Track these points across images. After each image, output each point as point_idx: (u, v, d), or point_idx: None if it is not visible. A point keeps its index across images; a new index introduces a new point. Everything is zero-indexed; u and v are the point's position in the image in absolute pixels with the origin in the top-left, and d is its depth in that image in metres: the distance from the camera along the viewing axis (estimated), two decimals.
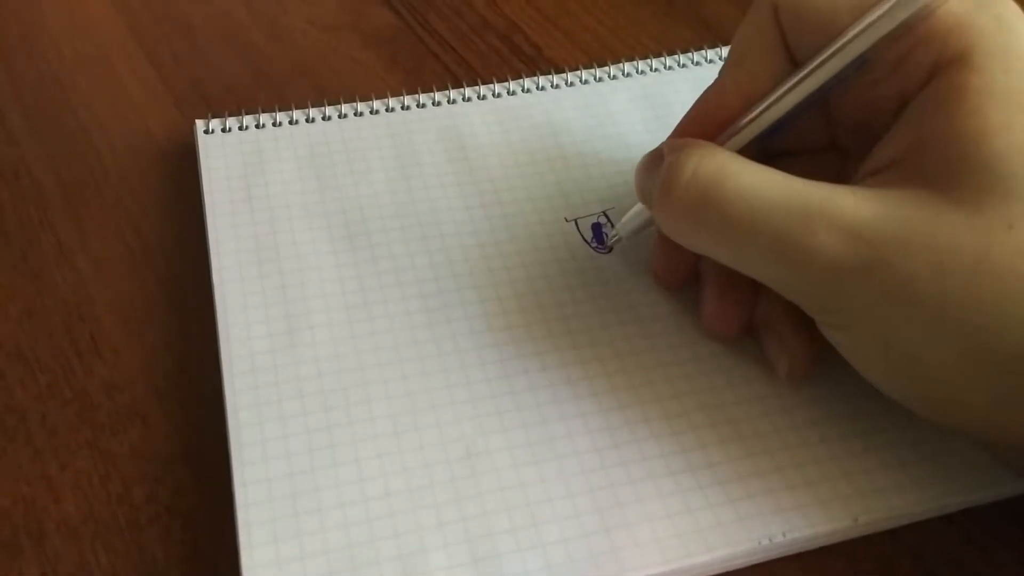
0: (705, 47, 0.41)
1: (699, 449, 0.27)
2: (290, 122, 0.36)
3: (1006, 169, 0.22)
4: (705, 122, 0.28)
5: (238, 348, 0.29)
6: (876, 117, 0.26)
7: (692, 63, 0.40)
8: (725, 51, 0.41)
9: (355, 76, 0.40)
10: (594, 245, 0.33)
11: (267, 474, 0.26)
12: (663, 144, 0.28)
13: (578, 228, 0.33)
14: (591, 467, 0.27)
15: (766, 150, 0.29)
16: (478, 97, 0.38)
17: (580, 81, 0.39)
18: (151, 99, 0.39)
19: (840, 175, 0.28)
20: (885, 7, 0.24)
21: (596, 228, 0.33)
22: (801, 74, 0.26)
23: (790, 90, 0.26)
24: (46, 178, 0.36)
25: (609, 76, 0.39)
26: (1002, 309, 0.22)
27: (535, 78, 0.39)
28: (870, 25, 0.24)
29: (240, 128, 0.36)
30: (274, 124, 0.36)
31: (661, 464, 0.27)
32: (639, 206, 0.31)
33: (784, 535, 0.26)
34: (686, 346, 0.30)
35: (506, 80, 0.38)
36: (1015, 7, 0.24)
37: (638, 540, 0.25)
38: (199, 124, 0.36)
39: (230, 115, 0.36)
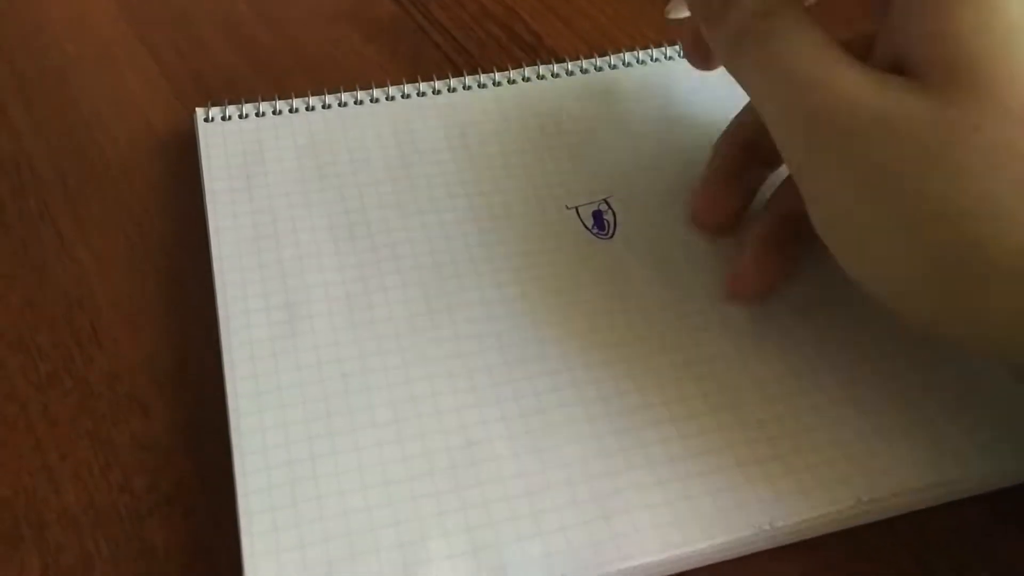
0: None
1: (698, 436, 0.27)
2: (290, 111, 0.36)
3: (980, 70, 0.22)
4: None
5: (238, 337, 0.29)
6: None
7: None
8: None
9: (355, 66, 0.40)
10: (595, 232, 0.33)
11: (267, 463, 0.26)
12: None
13: (579, 215, 0.33)
14: (590, 454, 0.27)
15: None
16: (478, 86, 0.38)
17: (580, 70, 0.39)
18: (152, 92, 0.39)
19: None
20: None
21: (597, 215, 0.33)
22: None
23: None
24: (47, 170, 0.36)
25: (610, 65, 0.39)
26: (954, 203, 0.22)
27: (535, 67, 0.39)
28: None
29: (240, 117, 0.36)
30: (274, 113, 0.36)
31: (660, 451, 0.27)
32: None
33: (784, 522, 0.26)
34: (687, 332, 0.30)
35: (506, 69, 0.38)
36: None
37: (638, 527, 0.25)
38: (199, 112, 0.36)
39: (230, 103, 0.36)
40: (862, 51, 0.25)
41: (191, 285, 0.32)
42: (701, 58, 0.33)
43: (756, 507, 0.26)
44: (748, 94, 0.28)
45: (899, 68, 0.24)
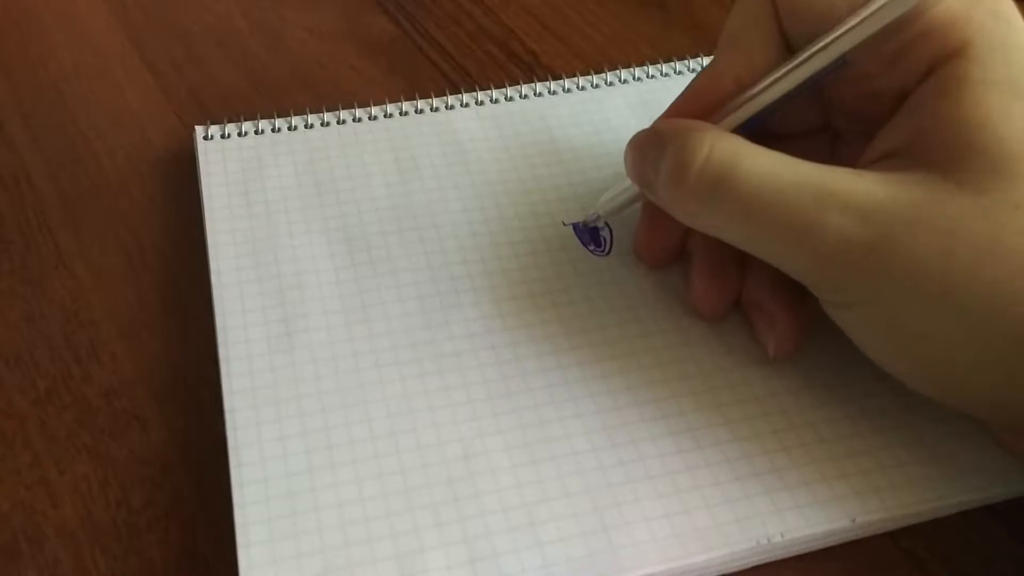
0: (701, 54, 0.41)
1: (696, 450, 0.27)
2: (289, 128, 0.36)
3: (1010, 152, 0.23)
4: (699, 104, 0.28)
5: (236, 351, 0.29)
6: (874, 107, 0.26)
7: (688, 70, 0.40)
8: None
9: (353, 84, 0.41)
10: (591, 248, 0.33)
11: (264, 474, 0.26)
12: (656, 124, 0.29)
13: (575, 232, 0.33)
14: (588, 467, 0.27)
15: (756, 132, 0.28)
16: (476, 103, 0.38)
17: (577, 88, 0.39)
18: (150, 107, 0.39)
19: (833, 157, 0.29)
20: (880, 2, 0.24)
21: (594, 231, 0.33)
22: (797, 60, 0.26)
23: (785, 75, 0.26)
24: (45, 185, 0.36)
25: (606, 83, 0.39)
26: (1009, 288, 0.22)
27: (532, 84, 0.39)
28: (869, 17, 0.24)
29: (239, 134, 0.36)
30: (273, 130, 0.36)
31: (658, 464, 0.27)
32: (622, 184, 0.31)
33: (782, 536, 0.26)
34: (684, 347, 0.30)
35: (503, 87, 0.39)
36: (1009, 2, 0.25)
37: (636, 540, 0.25)
38: (198, 130, 0.36)
39: (229, 121, 0.36)
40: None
41: (189, 300, 0.32)
42: (656, 253, 0.32)
43: (754, 521, 0.26)
44: (727, 240, 0.27)
45: (899, 164, 0.24)
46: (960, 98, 0.23)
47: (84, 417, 0.29)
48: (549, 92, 0.39)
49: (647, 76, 0.40)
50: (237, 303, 0.30)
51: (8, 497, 0.27)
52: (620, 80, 0.39)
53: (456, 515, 0.26)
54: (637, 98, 0.39)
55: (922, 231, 0.23)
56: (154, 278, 0.33)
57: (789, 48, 0.27)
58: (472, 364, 0.29)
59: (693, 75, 0.39)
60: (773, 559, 0.26)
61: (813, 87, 0.26)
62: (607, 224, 0.34)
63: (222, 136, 0.36)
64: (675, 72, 0.40)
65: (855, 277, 0.24)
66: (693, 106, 0.28)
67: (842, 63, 0.25)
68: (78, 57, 0.41)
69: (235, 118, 0.36)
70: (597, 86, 0.39)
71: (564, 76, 0.40)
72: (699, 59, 0.41)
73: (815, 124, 0.29)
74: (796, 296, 0.28)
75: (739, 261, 0.30)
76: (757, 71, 0.27)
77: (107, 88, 0.40)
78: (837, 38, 0.25)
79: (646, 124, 0.37)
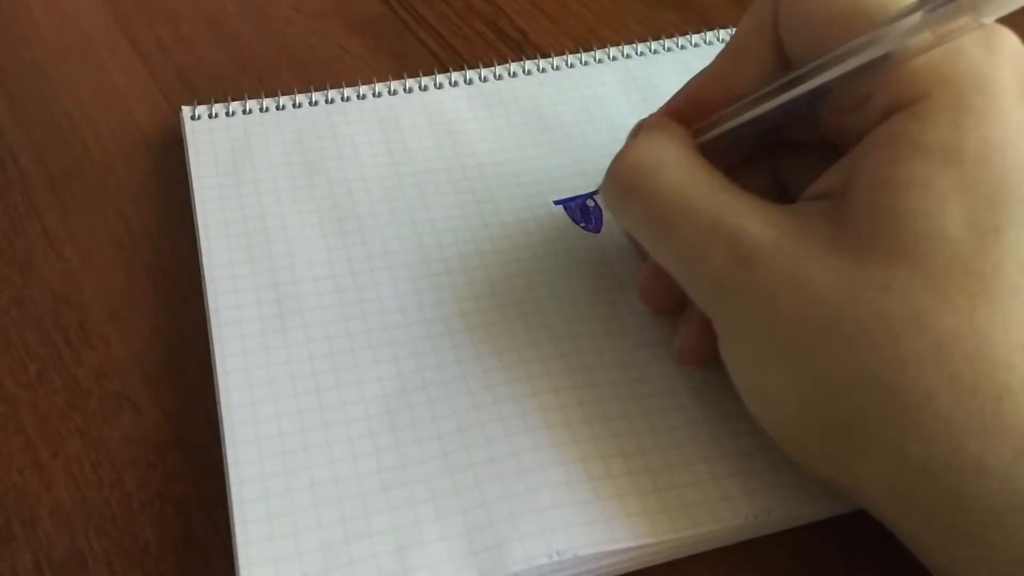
0: (691, 31, 0.41)
1: (687, 427, 0.28)
2: (277, 108, 0.36)
3: (906, 228, 0.21)
4: (690, 105, 0.28)
5: (228, 332, 0.29)
6: (843, 143, 0.25)
7: (678, 47, 0.40)
8: (711, 35, 0.41)
9: (341, 63, 0.40)
10: (582, 225, 0.33)
11: (260, 454, 0.26)
12: (649, 116, 0.29)
13: (566, 209, 0.33)
14: (583, 438, 0.27)
15: (779, 132, 0.28)
16: (465, 82, 0.38)
17: (566, 65, 0.39)
18: (136, 87, 0.39)
19: None
20: (863, 41, 0.22)
21: (584, 209, 0.33)
22: (782, 82, 0.25)
23: (767, 96, 0.25)
24: (32, 167, 0.35)
25: (595, 60, 0.39)
26: (847, 372, 0.21)
27: (521, 63, 0.39)
28: (855, 50, 0.22)
29: (227, 114, 0.36)
30: (261, 110, 0.36)
31: (650, 439, 0.27)
32: None
33: (768, 512, 0.26)
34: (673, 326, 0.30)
35: (492, 65, 0.38)
36: (998, 62, 0.22)
37: (628, 511, 0.26)
38: (185, 110, 0.36)
39: (216, 102, 0.36)
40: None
41: (179, 281, 0.32)
42: (655, 299, 0.30)
43: (743, 500, 0.26)
44: (644, 244, 0.27)
45: (824, 210, 0.23)
46: (884, 156, 0.22)
47: (76, 400, 0.29)
48: (539, 70, 0.39)
49: (636, 53, 0.40)
50: (228, 284, 0.30)
51: (1, 480, 0.27)
52: (610, 57, 0.39)
53: (451, 487, 0.26)
54: (627, 75, 0.39)
55: (788, 288, 0.22)
56: (143, 260, 0.33)
57: (787, 63, 0.25)
58: (465, 341, 0.29)
59: (682, 52, 0.40)
60: (759, 535, 0.26)
61: (803, 108, 0.25)
62: (596, 203, 0.34)
63: (210, 116, 0.35)
64: (664, 49, 0.40)
65: (728, 315, 0.24)
66: (686, 105, 0.28)
67: (825, 92, 0.24)
68: (63, 38, 0.41)
69: (222, 98, 0.36)
70: (587, 63, 0.39)
71: (553, 54, 0.39)
72: (688, 36, 0.40)
73: (816, 141, 0.28)
74: None
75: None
76: (749, 83, 0.26)
77: (93, 69, 0.39)
78: (821, 65, 0.23)
79: (636, 101, 0.38)
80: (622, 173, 0.26)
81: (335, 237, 0.32)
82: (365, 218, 0.33)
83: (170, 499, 0.27)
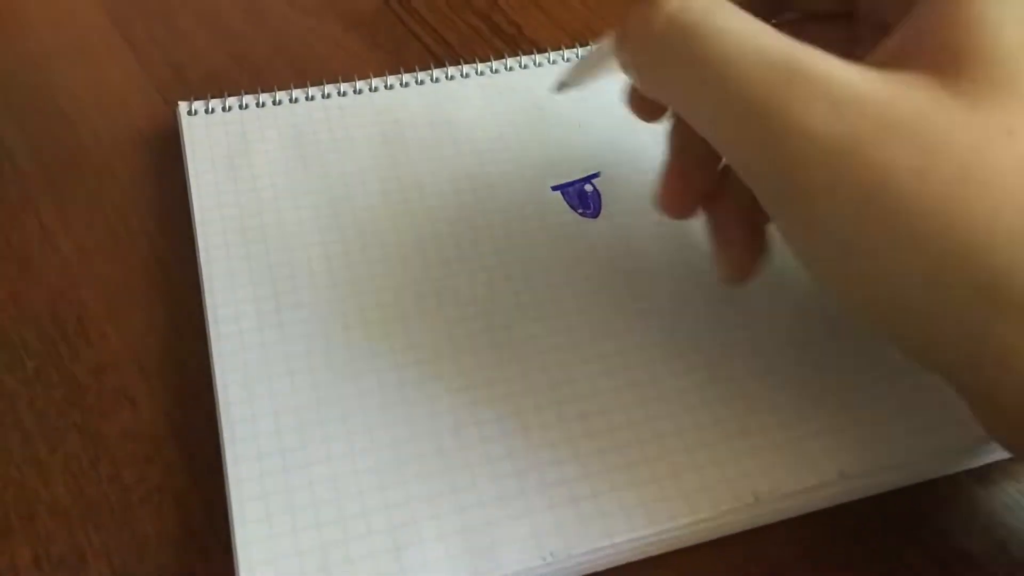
0: None
1: (687, 413, 0.28)
2: (274, 103, 0.36)
3: (1016, 66, 0.19)
4: None
5: (226, 328, 0.29)
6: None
7: None
8: None
9: (336, 58, 0.40)
10: (581, 211, 0.33)
11: (258, 450, 0.26)
12: None
13: (564, 195, 0.34)
14: (576, 435, 0.27)
15: (785, 2, 0.27)
16: (461, 75, 0.38)
17: (562, 59, 0.39)
18: (131, 84, 0.39)
19: (850, 53, 0.25)
20: None
21: (582, 194, 0.33)
22: None
23: None
24: (28, 164, 0.35)
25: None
26: (984, 226, 0.19)
27: (517, 57, 0.39)
28: None
29: (224, 110, 0.35)
30: (258, 105, 0.36)
31: (648, 429, 0.27)
32: (600, 45, 0.28)
33: (769, 492, 0.26)
34: (679, 302, 0.30)
35: (488, 60, 0.38)
36: None
37: (623, 505, 0.26)
38: (182, 106, 0.36)
39: (213, 97, 0.36)
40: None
41: (176, 277, 0.32)
42: (679, 201, 0.28)
43: (742, 482, 0.26)
44: (687, 116, 0.24)
45: (900, 67, 0.21)
46: None
47: (74, 395, 0.29)
48: (534, 64, 0.39)
49: None
50: (226, 280, 0.30)
51: (0, 476, 0.27)
52: None
53: (448, 486, 0.26)
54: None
55: (899, 140, 0.19)
56: (140, 255, 0.33)
57: None
58: (463, 333, 0.29)
59: None
60: (762, 524, 0.27)
61: None
62: (595, 188, 0.34)
63: (206, 112, 0.35)
64: None
65: (815, 182, 0.20)
66: None
67: None
68: (57, 34, 0.41)
69: (219, 94, 0.36)
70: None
71: (549, 49, 0.39)
72: None
73: (837, 8, 0.26)
74: (761, 225, 0.26)
75: (715, 168, 0.27)
76: None
77: (88, 66, 0.39)
78: None
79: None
80: (669, 19, 0.22)
81: (332, 231, 0.32)
82: (362, 212, 0.33)
83: (168, 493, 0.27)
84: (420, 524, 0.25)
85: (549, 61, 0.39)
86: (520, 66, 0.38)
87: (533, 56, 0.39)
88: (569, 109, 0.37)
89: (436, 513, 0.25)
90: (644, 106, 0.28)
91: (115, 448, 0.28)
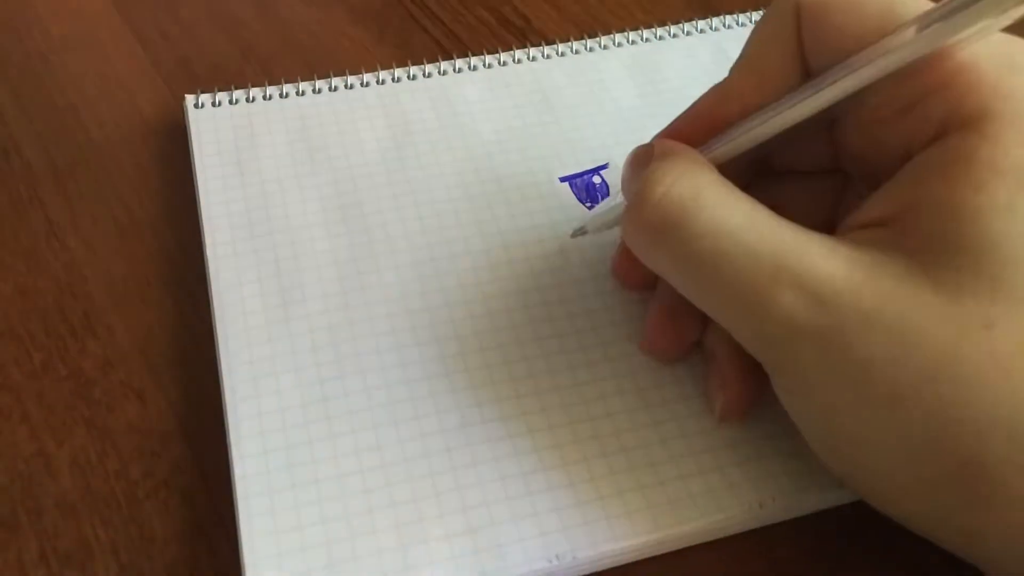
0: (696, 18, 0.40)
1: (692, 417, 0.27)
2: (281, 96, 0.36)
3: (998, 256, 0.20)
4: (703, 121, 0.26)
5: (233, 322, 0.29)
6: (880, 159, 0.23)
7: (684, 33, 0.40)
8: (716, 21, 0.40)
9: (344, 51, 0.40)
10: (588, 204, 0.33)
11: (264, 447, 0.26)
12: (653, 141, 0.26)
13: (571, 187, 0.33)
14: (584, 436, 0.27)
15: (767, 162, 0.27)
16: (469, 68, 0.37)
17: (571, 51, 0.39)
18: (139, 77, 0.39)
19: (838, 202, 0.27)
20: (909, 34, 0.21)
21: (589, 186, 0.33)
22: (810, 90, 0.23)
23: (795, 104, 0.23)
24: (35, 157, 0.35)
25: (600, 46, 0.39)
26: (955, 416, 0.20)
27: (525, 49, 0.38)
28: (891, 52, 0.21)
29: (231, 103, 0.35)
30: (265, 98, 0.36)
31: (653, 432, 0.27)
32: (615, 199, 0.30)
33: (774, 500, 0.26)
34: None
35: (496, 52, 0.38)
36: None
37: (629, 509, 0.25)
38: (189, 99, 0.35)
39: (220, 90, 0.36)
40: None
41: (183, 271, 0.32)
42: (630, 276, 0.29)
43: (745, 487, 0.26)
44: (679, 290, 0.24)
45: (881, 238, 0.21)
46: (959, 178, 0.20)
47: (81, 389, 0.29)
48: (543, 56, 0.38)
49: (641, 39, 0.39)
50: (232, 274, 0.30)
51: (7, 470, 0.27)
52: (615, 44, 0.39)
53: (454, 484, 0.26)
54: (632, 61, 0.38)
55: (878, 330, 0.20)
56: (147, 249, 0.33)
57: (808, 75, 0.24)
58: (469, 331, 0.29)
59: (688, 38, 0.40)
60: (767, 524, 0.26)
61: (821, 123, 0.24)
62: (603, 180, 0.33)
63: (213, 105, 0.35)
64: (670, 35, 0.40)
65: (800, 361, 0.22)
66: (694, 125, 0.26)
67: (855, 102, 0.23)
68: (64, 27, 0.41)
69: (225, 86, 0.36)
70: (592, 50, 0.39)
71: (558, 41, 0.39)
72: (694, 22, 0.40)
73: (825, 164, 0.27)
74: (754, 362, 0.25)
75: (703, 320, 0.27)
76: (768, 97, 0.24)
77: (95, 58, 0.39)
78: (854, 71, 0.22)
79: (642, 83, 0.37)
80: (652, 212, 0.23)
81: (338, 225, 0.32)
82: (368, 203, 0.32)
83: (175, 488, 0.27)
84: (426, 523, 0.25)
85: (558, 53, 0.38)
86: (528, 58, 0.38)
87: (541, 48, 0.38)
88: (578, 102, 0.36)
89: (442, 512, 0.25)
90: (631, 276, 0.29)
91: (122, 442, 0.28)
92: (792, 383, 0.23)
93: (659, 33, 0.40)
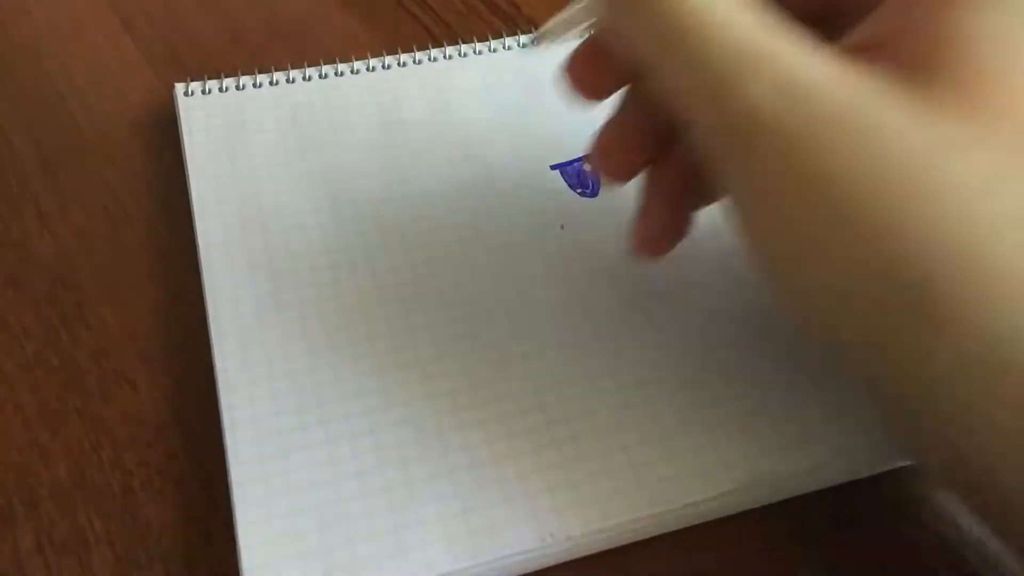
0: None
1: (682, 391, 0.28)
2: (271, 83, 0.36)
3: (988, 79, 0.19)
4: None
5: (225, 310, 0.29)
6: None
7: None
8: None
9: (333, 39, 0.40)
10: (579, 190, 0.33)
11: (258, 433, 0.26)
12: None
13: (563, 174, 0.33)
14: (573, 416, 0.27)
15: None
16: (459, 55, 0.37)
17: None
18: (128, 66, 0.38)
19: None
20: None
21: (581, 173, 0.33)
22: None
23: None
24: (24, 147, 0.35)
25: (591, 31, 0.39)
26: (921, 236, 0.19)
27: (516, 36, 0.38)
28: None
29: (220, 90, 0.35)
30: (255, 86, 0.36)
31: (643, 411, 0.27)
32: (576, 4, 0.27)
33: (768, 478, 0.26)
34: (677, 286, 0.30)
35: (486, 39, 0.38)
36: None
37: (619, 488, 0.26)
38: (179, 87, 0.35)
39: (209, 78, 0.36)
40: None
41: (175, 259, 0.32)
42: (618, 165, 0.27)
43: (721, 469, 0.26)
44: (649, 61, 0.22)
45: (874, 61, 0.20)
46: (954, 2, 0.20)
47: (74, 380, 0.29)
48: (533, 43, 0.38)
49: None
50: (224, 262, 0.30)
51: (1, 461, 0.27)
52: None
53: (447, 467, 0.26)
54: None
55: (848, 136, 0.19)
56: (139, 238, 0.33)
57: None
58: (461, 317, 0.29)
59: None
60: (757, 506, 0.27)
61: None
62: None
63: (203, 93, 0.35)
64: None
65: (755, 165, 0.20)
66: None
67: None
68: (52, 16, 0.40)
69: (215, 75, 0.36)
70: (583, 35, 0.39)
71: None
72: None
73: (815, 10, 0.25)
74: (687, 211, 0.25)
75: (654, 139, 0.26)
76: None
77: (83, 47, 0.39)
78: None
79: None
80: None
81: (330, 213, 0.32)
82: (360, 193, 0.32)
83: (170, 477, 0.27)
84: (420, 505, 0.25)
85: None
86: (518, 45, 0.38)
87: (531, 34, 0.38)
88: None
89: (436, 495, 0.25)
90: (587, 78, 0.27)
91: (116, 432, 0.28)
92: (745, 190, 0.21)
93: None
